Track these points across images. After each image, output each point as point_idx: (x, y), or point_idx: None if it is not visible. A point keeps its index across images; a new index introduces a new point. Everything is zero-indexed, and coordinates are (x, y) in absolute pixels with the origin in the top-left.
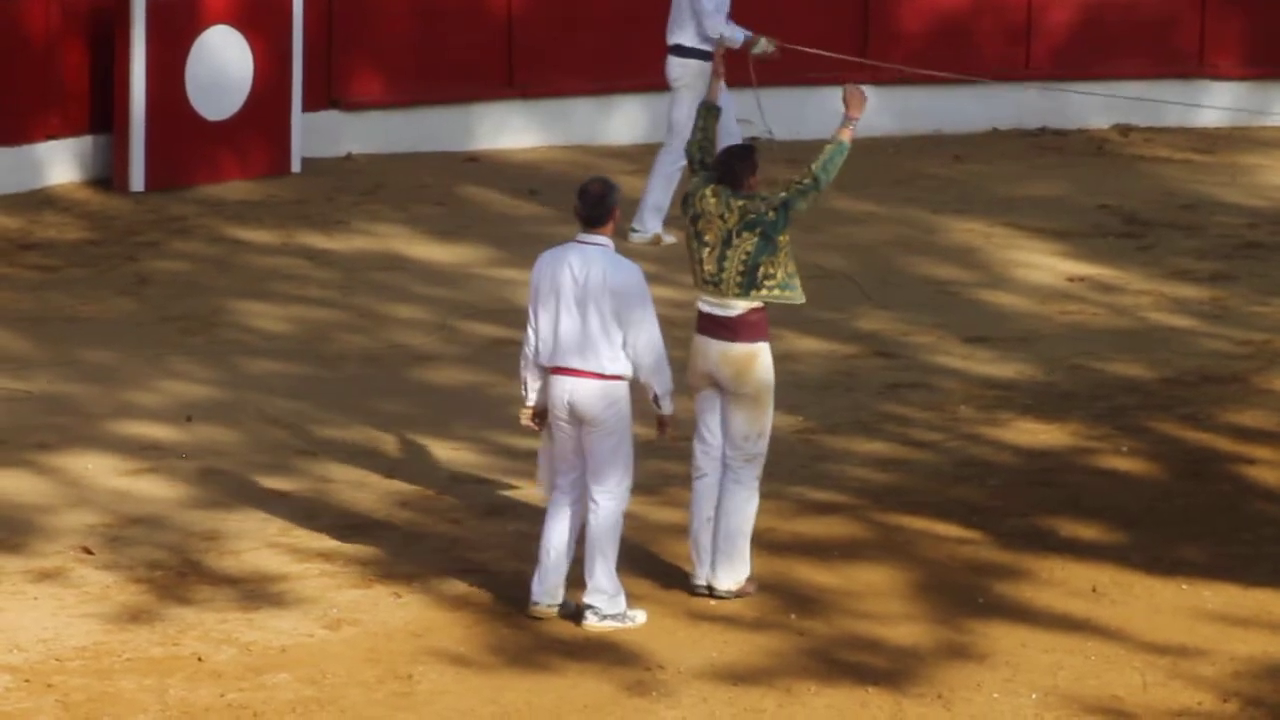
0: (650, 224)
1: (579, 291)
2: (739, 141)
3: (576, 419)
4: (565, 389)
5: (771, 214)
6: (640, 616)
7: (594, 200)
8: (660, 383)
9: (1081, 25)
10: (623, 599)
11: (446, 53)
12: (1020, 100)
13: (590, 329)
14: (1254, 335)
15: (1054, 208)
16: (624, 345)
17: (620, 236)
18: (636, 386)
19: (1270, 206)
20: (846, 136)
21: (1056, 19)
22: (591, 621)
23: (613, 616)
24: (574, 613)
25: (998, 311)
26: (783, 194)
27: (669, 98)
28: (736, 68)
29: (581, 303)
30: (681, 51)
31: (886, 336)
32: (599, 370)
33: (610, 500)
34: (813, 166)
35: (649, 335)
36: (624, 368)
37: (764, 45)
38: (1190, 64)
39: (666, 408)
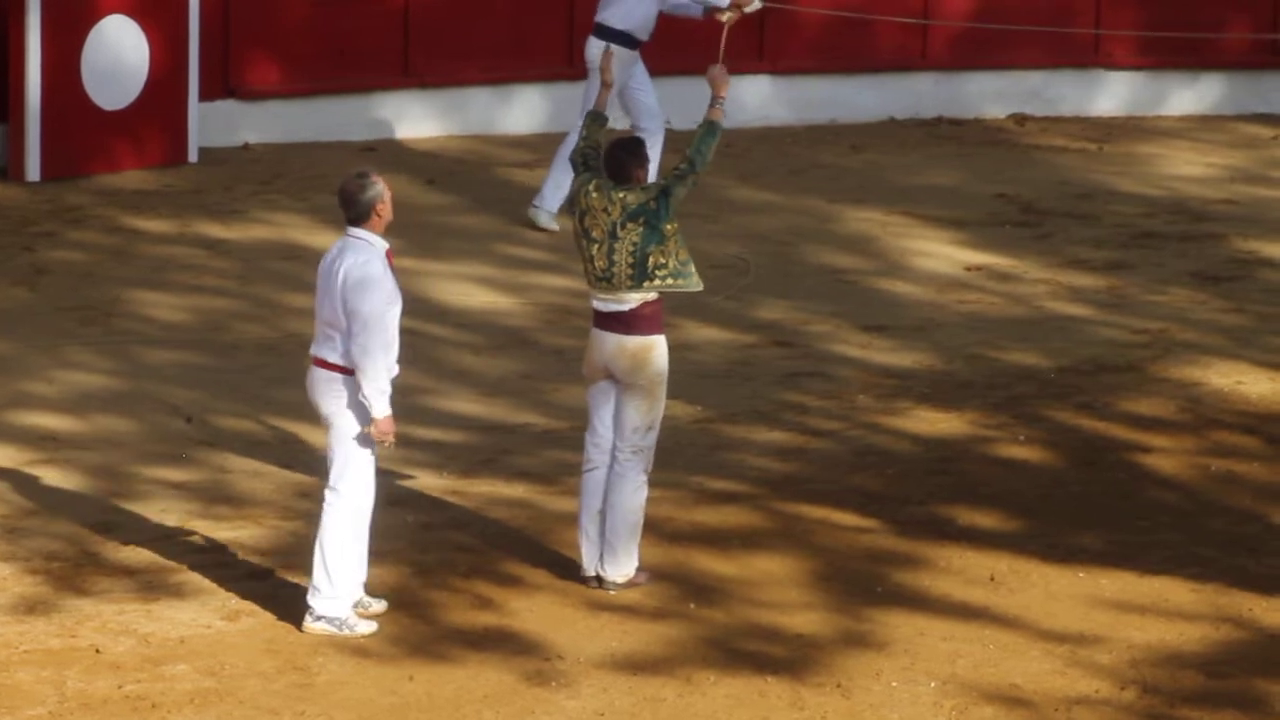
0: (549, 201)
1: (327, 283)
2: (657, 120)
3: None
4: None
5: (653, 203)
6: (364, 627)
7: (348, 198)
8: (368, 381)
9: (978, 15)
10: (345, 604)
11: (344, 41)
12: (917, 90)
13: (330, 319)
14: (1150, 324)
15: (951, 197)
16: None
17: (523, 217)
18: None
19: (1166, 196)
20: (717, 117)
21: (954, 8)
22: (306, 621)
23: (329, 619)
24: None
25: (895, 300)
26: (661, 182)
27: (586, 80)
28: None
29: (328, 293)
30: (604, 33)
31: (785, 326)
32: (333, 361)
33: (337, 498)
34: (687, 151)
35: (362, 327)
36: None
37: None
38: (1086, 53)
39: (377, 409)
